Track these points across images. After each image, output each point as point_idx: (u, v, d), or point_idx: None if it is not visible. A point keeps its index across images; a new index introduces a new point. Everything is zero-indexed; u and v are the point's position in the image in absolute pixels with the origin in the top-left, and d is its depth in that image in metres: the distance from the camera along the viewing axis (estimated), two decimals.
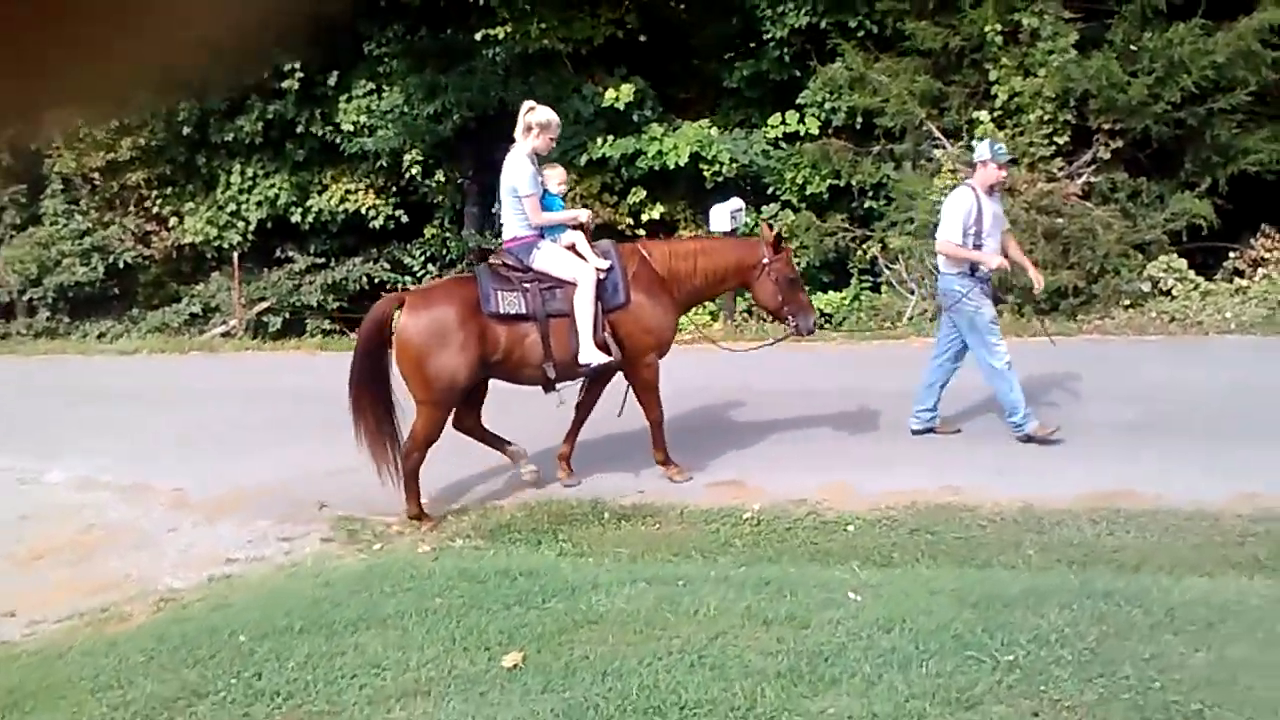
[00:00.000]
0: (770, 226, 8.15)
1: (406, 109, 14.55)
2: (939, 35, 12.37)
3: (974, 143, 8.29)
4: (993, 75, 12.27)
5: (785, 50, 13.45)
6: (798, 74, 13.59)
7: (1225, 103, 11.62)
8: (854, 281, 13.08)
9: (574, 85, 13.88)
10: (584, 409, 7.97)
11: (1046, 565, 6.18)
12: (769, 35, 13.37)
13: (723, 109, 14.50)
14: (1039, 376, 8.34)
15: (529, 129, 7.25)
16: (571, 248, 7.40)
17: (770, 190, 13.66)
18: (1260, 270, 12.20)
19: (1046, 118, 11.95)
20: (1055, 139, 12.06)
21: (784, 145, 13.63)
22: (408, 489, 7.29)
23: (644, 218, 13.76)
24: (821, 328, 12.82)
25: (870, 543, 6.61)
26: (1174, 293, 11.93)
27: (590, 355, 7.21)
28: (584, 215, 7.59)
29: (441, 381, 7.09)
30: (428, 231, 16.10)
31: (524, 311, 7.17)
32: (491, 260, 7.62)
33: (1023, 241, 11.82)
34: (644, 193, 13.67)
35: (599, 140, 13.39)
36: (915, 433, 8.37)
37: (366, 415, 7.27)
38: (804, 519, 7.13)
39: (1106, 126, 11.90)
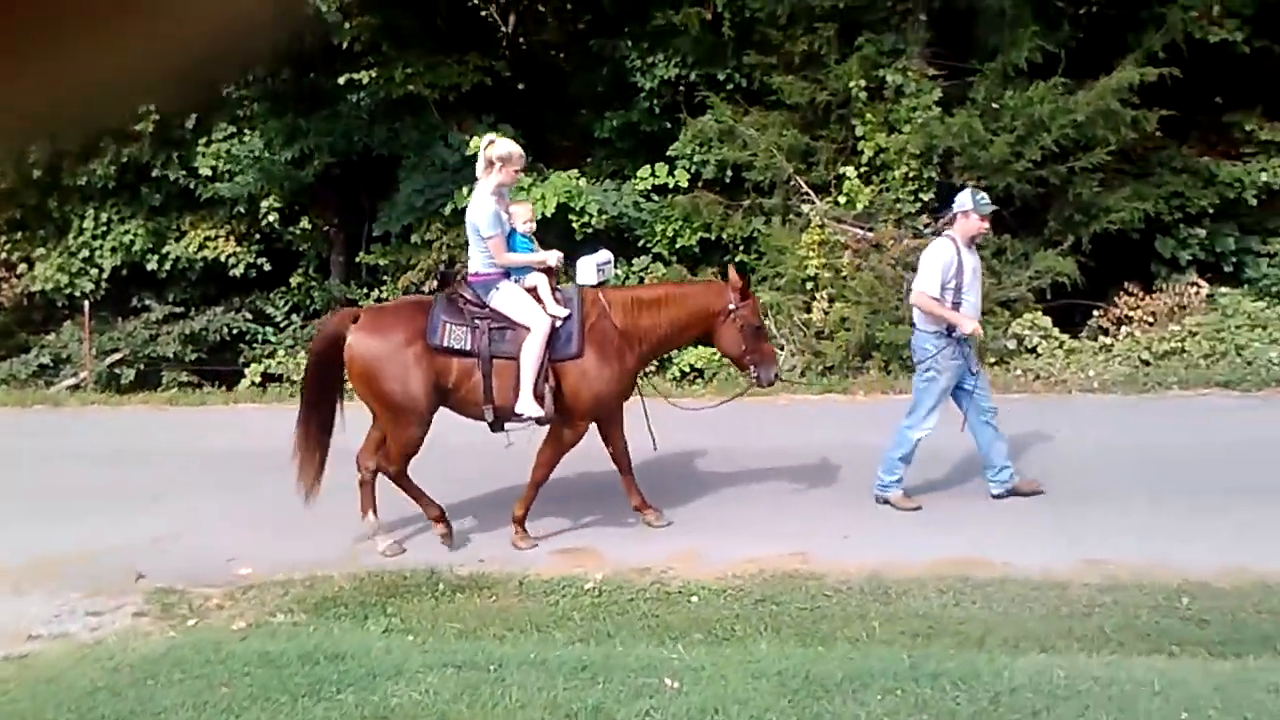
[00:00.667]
0: (740, 272, 7.72)
1: (267, 154, 14.03)
2: (806, 90, 12.29)
3: (957, 196, 7.92)
4: (859, 131, 12.22)
5: (656, 102, 13.29)
6: (669, 126, 13.42)
7: (1086, 161, 11.70)
8: None
9: (441, 132, 13.52)
10: (620, 460, 7.75)
11: (889, 638, 5.95)
12: (639, 86, 13.19)
13: (595, 160, 14.26)
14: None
15: (490, 164, 7.00)
16: (534, 291, 7.13)
17: (641, 243, 13.39)
18: (1124, 328, 12.27)
19: (911, 174, 11.92)
20: (920, 195, 12.03)
21: (655, 197, 13.40)
22: (415, 498, 7.31)
23: None
24: (692, 382, 12.62)
25: (713, 615, 6.34)
26: (1039, 350, 11.93)
27: (528, 406, 6.95)
28: (552, 258, 7.31)
29: (395, 397, 6.97)
30: (293, 280, 15.52)
31: (468, 348, 6.97)
32: (452, 291, 7.39)
33: (889, 298, 11.79)
34: None
35: (465, 189, 13.01)
36: (997, 497, 7.96)
37: (307, 425, 7.21)
38: (647, 589, 6.83)
39: (971, 183, 11.87)
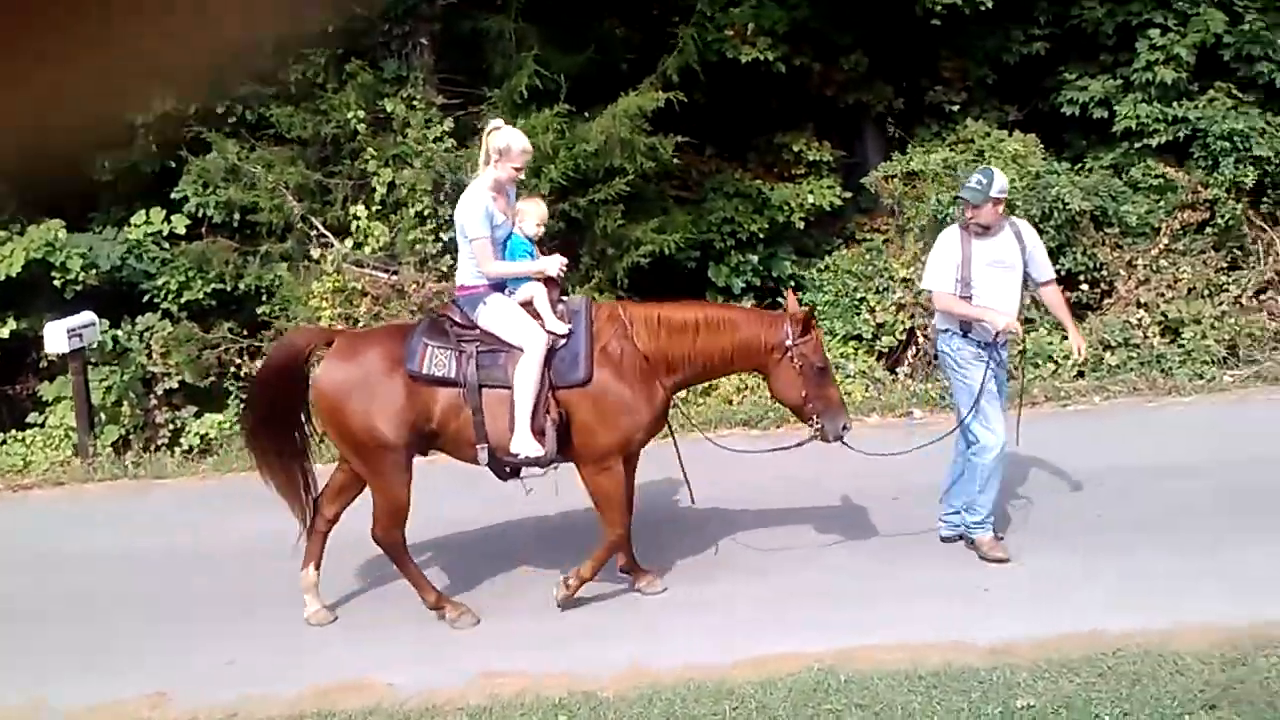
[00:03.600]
0: (799, 298, 6.47)
1: None
2: (308, 122, 11.04)
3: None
4: (371, 166, 11.06)
5: (153, 140, 11.69)
6: (173, 165, 11.85)
7: (605, 193, 10.91)
8: (233, 401, 11.41)
9: None
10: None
11: None
12: (134, 121, 11.57)
13: (101, 206, 12.52)
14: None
15: (489, 157, 6.10)
16: (530, 305, 6.10)
17: (147, 298, 11.77)
18: None
19: (426, 212, 10.87)
20: (441, 234, 10.98)
21: (164, 246, 11.82)
22: (411, 580, 6.39)
23: None
24: (204, 451, 11.12)
25: None
26: None
27: (523, 444, 5.91)
28: (552, 266, 6.18)
29: (373, 443, 6.01)
30: None
31: (452, 376, 5.96)
32: (441, 311, 6.41)
33: None
34: None
35: None
36: (945, 539, 7.00)
37: (271, 464, 6.41)
38: None
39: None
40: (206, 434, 11.19)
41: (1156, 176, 11.80)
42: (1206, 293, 10.90)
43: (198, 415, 11.30)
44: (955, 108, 13.31)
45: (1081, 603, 6.15)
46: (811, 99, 13.51)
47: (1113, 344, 10.48)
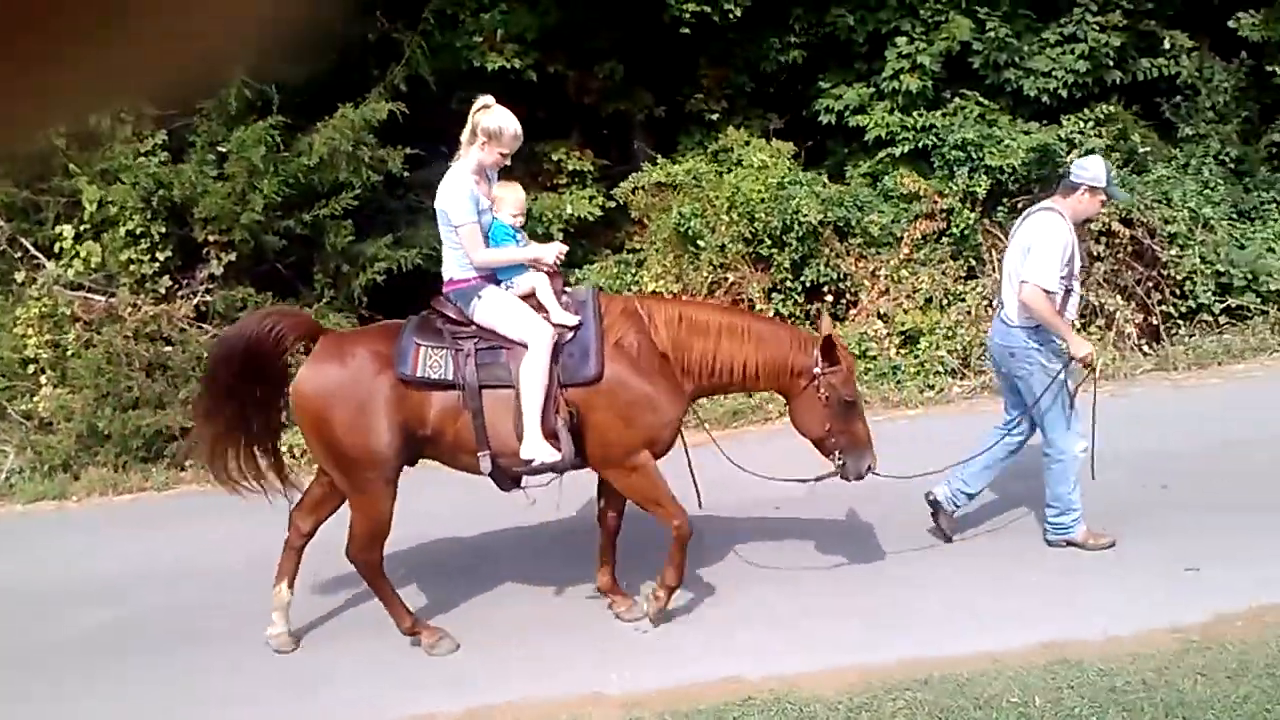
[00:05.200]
0: (833, 320, 5.85)
1: None
2: None
3: (1080, 160, 6.26)
4: (79, 184, 10.34)
5: None
6: None
7: (331, 209, 10.42)
8: None
9: None
10: (607, 519, 6.17)
11: None
12: None
13: None
14: None
15: (474, 135, 5.52)
16: (531, 297, 5.56)
17: None
18: None
19: (139, 230, 10.19)
20: (157, 254, 10.32)
21: None
22: (384, 601, 5.85)
23: None
24: None
25: None
26: None
27: (536, 449, 5.36)
28: (549, 252, 5.67)
29: (360, 455, 5.41)
30: None
31: (449, 377, 5.41)
32: (431, 307, 5.75)
33: (118, 378, 10.05)
34: None
35: None
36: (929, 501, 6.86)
37: (229, 448, 5.75)
38: None
39: (214, 238, 10.32)
40: None
41: (903, 185, 11.77)
42: (945, 303, 10.86)
43: None
44: (716, 116, 13.14)
45: (735, 646, 5.91)
46: (574, 107, 13.21)
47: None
